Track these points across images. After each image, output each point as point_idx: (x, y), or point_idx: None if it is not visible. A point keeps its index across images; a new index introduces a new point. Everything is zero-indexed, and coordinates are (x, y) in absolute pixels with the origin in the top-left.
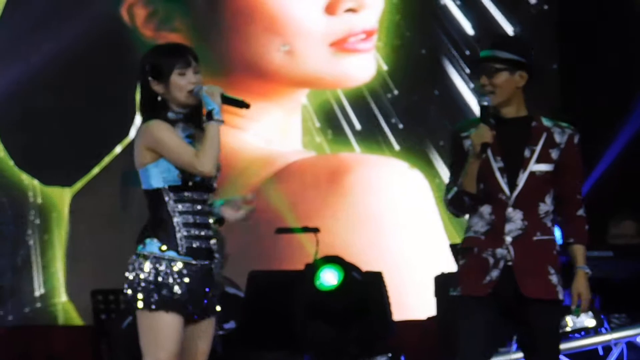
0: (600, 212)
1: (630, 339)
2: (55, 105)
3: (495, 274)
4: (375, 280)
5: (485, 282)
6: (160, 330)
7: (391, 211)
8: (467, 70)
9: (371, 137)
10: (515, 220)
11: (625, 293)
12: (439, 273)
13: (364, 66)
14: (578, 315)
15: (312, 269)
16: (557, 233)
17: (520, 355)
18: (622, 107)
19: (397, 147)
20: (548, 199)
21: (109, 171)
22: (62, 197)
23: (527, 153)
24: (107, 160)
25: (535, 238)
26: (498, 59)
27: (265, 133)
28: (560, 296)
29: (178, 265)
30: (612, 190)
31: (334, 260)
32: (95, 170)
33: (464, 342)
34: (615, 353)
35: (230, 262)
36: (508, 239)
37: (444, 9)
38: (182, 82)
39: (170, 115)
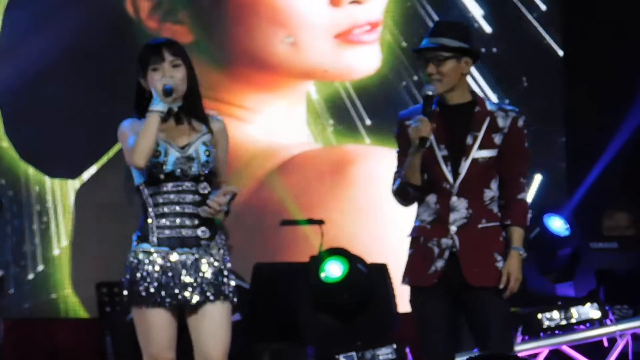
0: (604, 204)
1: (635, 331)
2: (60, 98)
3: (440, 264)
4: (380, 272)
5: (430, 272)
6: (145, 325)
7: (396, 203)
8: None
9: (384, 129)
10: (460, 209)
11: (630, 284)
12: None
13: (369, 58)
14: (506, 297)
15: (317, 261)
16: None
17: (525, 346)
18: (627, 97)
19: None
20: (493, 185)
21: (114, 163)
22: (67, 190)
23: (469, 140)
24: (111, 152)
25: (480, 226)
26: (445, 47)
27: (269, 125)
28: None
29: (151, 257)
30: (616, 182)
31: (339, 252)
32: (100, 162)
33: (421, 333)
34: (620, 344)
35: (235, 254)
36: (453, 228)
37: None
38: (155, 77)
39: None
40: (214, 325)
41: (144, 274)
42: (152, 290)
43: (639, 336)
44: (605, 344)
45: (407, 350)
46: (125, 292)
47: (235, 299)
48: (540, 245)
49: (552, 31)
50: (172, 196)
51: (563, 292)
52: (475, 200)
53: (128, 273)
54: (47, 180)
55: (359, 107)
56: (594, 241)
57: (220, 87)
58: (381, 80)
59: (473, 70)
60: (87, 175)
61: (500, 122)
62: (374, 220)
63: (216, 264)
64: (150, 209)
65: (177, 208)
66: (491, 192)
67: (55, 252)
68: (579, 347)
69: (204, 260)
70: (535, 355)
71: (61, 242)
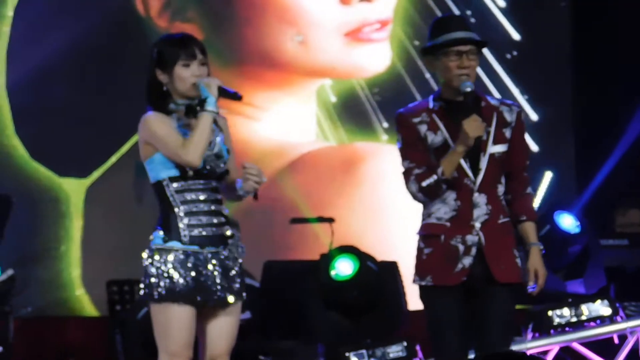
0: (615, 201)
1: None
2: (70, 96)
3: (467, 261)
4: (390, 270)
5: (457, 270)
6: (168, 322)
7: (406, 200)
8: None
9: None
10: (481, 205)
11: None
12: None
13: (379, 56)
14: (535, 294)
15: (327, 258)
16: None
17: (536, 344)
18: (638, 94)
19: None
20: (503, 180)
21: (124, 162)
22: (77, 189)
23: (484, 135)
24: (122, 151)
25: (499, 221)
26: (473, 41)
27: (279, 123)
28: (523, 279)
29: (182, 255)
30: (626, 179)
31: (349, 250)
32: (110, 161)
33: (436, 332)
34: (630, 341)
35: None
36: (477, 224)
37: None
38: (185, 74)
39: (172, 106)
40: (230, 323)
41: (177, 271)
42: (186, 288)
43: None
44: (616, 340)
45: (418, 347)
46: (146, 289)
47: (244, 296)
48: (551, 243)
49: (562, 30)
50: (200, 194)
51: (573, 289)
52: (493, 196)
53: (154, 270)
54: (57, 179)
55: (373, 105)
56: (604, 238)
57: (230, 85)
58: (393, 78)
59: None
60: (97, 174)
61: (507, 117)
62: (384, 218)
63: (236, 262)
64: (176, 206)
65: (206, 206)
66: (502, 187)
67: (65, 250)
68: (589, 344)
69: (230, 259)
70: (546, 352)
71: (71, 241)
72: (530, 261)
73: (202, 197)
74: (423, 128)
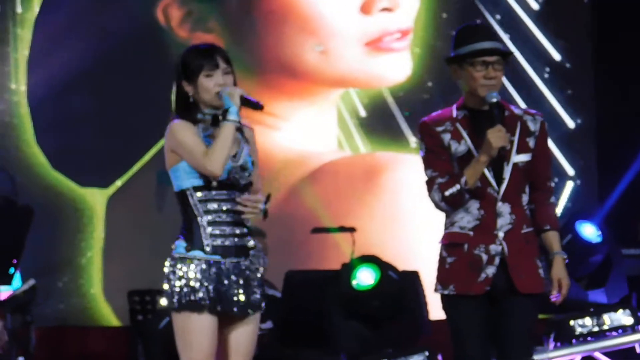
0: (636, 210)
1: None
2: (91, 107)
3: (490, 270)
4: (411, 280)
5: (480, 279)
6: (191, 331)
7: (427, 210)
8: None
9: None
10: (505, 214)
11: None
12: None
13: (399, 65)
14: (558, 302)
15: (349, 268)
16: None
17: (558, 353)
18: None
19: None
20: (527, 189)
21: (145, 172)
22: (98, 198)
23: (507, 145)
24: (143, 161)
25: (523, 231)
26: (500, 51)
27: (300, 133)
28: (546, 288)
29: (204, 265)
30: None
31: (371, 259)
32: (132, 171)
33: (460, 342)
34: None
35: None
36: (500, 234)
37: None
38: (209, 84)
39: (199, 115)
40: (249, 333)
41: (199, 281)
42: (208, 297)
43: None
44: (638, 350)
45: (440, 357)
46: (167, 298)
47: (263, 307)
48: (572, 252)
49: (585, 39)
50: (223, 204)
51: (595, 298)
52: (516, 205)
53: (174, 278)
54: (79, 189)
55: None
56: (626, 247)
57: (251, 95)
58: (415, 87)
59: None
60: (118, 184)
61: (531, 126)
62: (405, 228)
63: (258, 273)
64: (199, 216)
65: (229, 217)
66: (526, 197)
67: (87, 260)
68: (611, 353)
69: (250, 270)
70: None
71: (92, 251)
72: (553, 270)
73: (225, 208)
74: (447, 137)
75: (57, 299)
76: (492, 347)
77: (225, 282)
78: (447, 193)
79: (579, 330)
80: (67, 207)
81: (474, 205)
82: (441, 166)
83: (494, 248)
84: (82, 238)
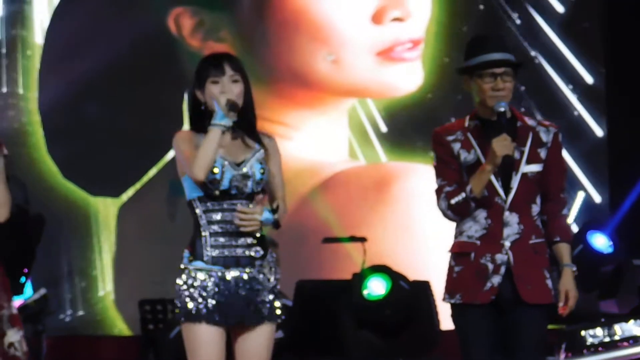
0: None
1: None
2: (102, 116)
3: (496, 279)
4: (422, 290)
5: (486, 288)
6: (195, 342)
7: (438, 220)
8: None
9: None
10: (512, 224)
11: None
12: None
13: (411, 75)
14: (565, 314)
15: (360, 278)
16: None
17: None
18: None
19: None
20: (538, 200)
21: (156, 181)
22: (110, 208)
23: (517, 155)
24: (154, 170)
25: (531, 242)
26: (509, 62)
27: (311, 142)
28: (554, 299)
29: (204, 275)
30: None
31: (382, 269)
32: (143, 180)
33: (472, 352)
34: None
35: None
36: (507, 243)
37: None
38: (214, 91)
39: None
40: (260, 345)
41: (199, 291)
42: (207, 308)
43: None
44: None
45: None
46: (177, 308)
47: (279, 319)
48: (584, 263)
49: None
50: (226, 214)
51: (606, 309)
52: (525, 215)
53: (181, 290)
54: (90, 198)
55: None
56: (637, 258)
57: (262, 104)
58: (424, 98)
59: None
60: (129, 193)
61: (544, 137)
62: (416, 237)
63: (268, 283)
64: (203, 226)
65: (232, 227)
66: (537, 207)
67: (98, 269)
68: None
69: (257, 280)
70: None
71: (103, 260)
72: (561, 282)
73: (229, 218)
74: (457, 146)
75: (68, 308)
76: (502, 356)
77: (226, 293)
78: (452, 201)
79: (590, 340)
80: (78, 216)
81: (481, 215)
82: (450, 175)
83: (500, 257)
84: (93, 247)
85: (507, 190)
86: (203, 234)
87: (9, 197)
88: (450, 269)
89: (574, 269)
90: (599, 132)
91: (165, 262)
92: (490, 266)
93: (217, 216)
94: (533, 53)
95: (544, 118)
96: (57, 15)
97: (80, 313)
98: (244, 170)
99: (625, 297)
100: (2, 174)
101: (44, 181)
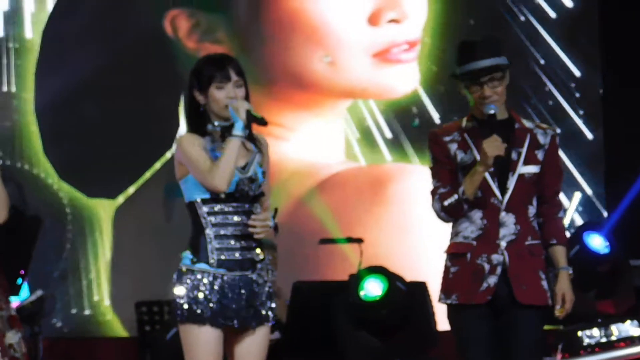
0: None
1: None
2: (98, 118)
3: (492, 280)
4: (419, 290)
5: (482, 289)
6: (193, 343)
7: (435, 221)
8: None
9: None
10: (509, 224)
11: None
12: None
13: (407, 77)
14: (562, 317)
15: (356, 279)
16: None
17: None
18: None
19: None
20: (535, 201)
21: (153, 183)
22: (106, 209)
23: (514, 156)
24: (150, 172)
25: (527, 243)
26: (499, 67)
27: (308, 143)
28: (550, 301)
29: (208, 278)
30: None
31: (378, 270)
32: (139, 182)
33: (465, 352)
34: None
35: None
36: (503, 244)
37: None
38: (220, 96)
39: (209, 127)
40: (258, 346)
41: (202, 294)
42: (211, 310)
43: None
44: None
45: None
46: (174, 309)
47: (274, 321)
48: (580, 263)
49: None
50: (230, 217)
51: (603, 309)
52: (522, 216)
53: (181, 291)
54: (86, 200)
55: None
56: (634, 258)
57: (259, 105)
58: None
59: None
60: (126, 194)
61: (541, 139)
62: (413, 238)
63: (267, 287)
64: (207, 228)
65: (236, 230)
66: (533, 208)
67: (95, 271)
68: None
69: (257, 283)
70: None
71: (100, 262)
72: (558, 285)
73: (233, 220)
74: (453, 147)
75: (65, 309)
76: (499, 356)
77: (230, 295)
78: (445, 203)
79: (586, 341)
80: (75, 218)
81: (477, 215)
82: (445, 176)
83: (496, 258)
84: (90, 249)
85: (503, 190)
86: (206, 236)
87: (7, 198)
88: (446, 269)
89: (570, 271)
90: (595, 133)
91: (161, 264)
92: (487, 266)
93: (221, 219)
94: (530, 54)
95: (540, 120)
96: (54, 16)
97: (77, 315)
98: (249, 173)
99: (622, 298)
100: None
101: (41, 183)
